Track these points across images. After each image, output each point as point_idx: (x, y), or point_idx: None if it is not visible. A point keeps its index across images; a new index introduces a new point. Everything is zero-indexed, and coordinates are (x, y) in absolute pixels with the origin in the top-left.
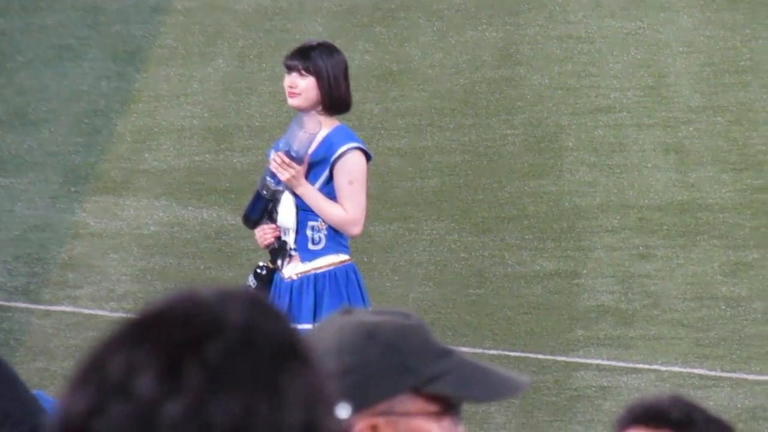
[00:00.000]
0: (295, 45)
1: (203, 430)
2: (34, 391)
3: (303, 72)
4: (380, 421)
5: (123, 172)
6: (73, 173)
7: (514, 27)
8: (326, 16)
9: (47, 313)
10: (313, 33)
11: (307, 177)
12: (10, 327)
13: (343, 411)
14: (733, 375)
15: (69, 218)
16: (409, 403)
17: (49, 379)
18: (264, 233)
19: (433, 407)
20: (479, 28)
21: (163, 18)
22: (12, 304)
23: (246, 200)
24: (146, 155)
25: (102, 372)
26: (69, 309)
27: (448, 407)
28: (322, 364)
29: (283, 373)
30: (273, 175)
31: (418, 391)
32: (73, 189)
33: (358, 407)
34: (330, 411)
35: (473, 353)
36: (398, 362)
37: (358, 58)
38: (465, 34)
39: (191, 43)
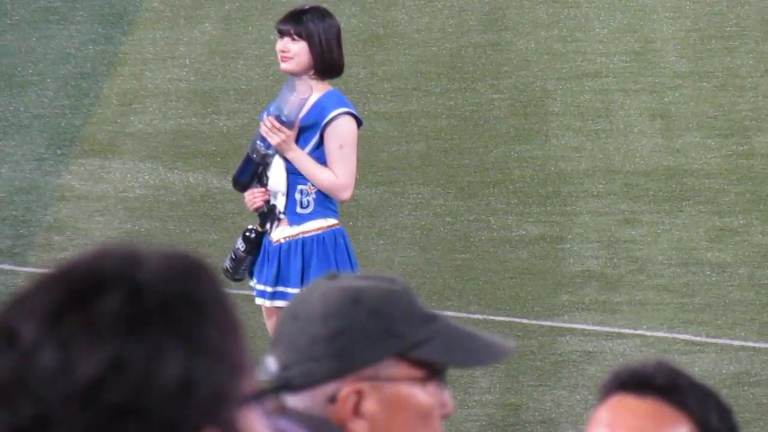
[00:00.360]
0: (282, 8)
1: (70, 379)
2: None
3: (295, 36)
4: (365, 386)
5: (109, 135)
6: (59, 136)
7: None
8: None
9: (33, 275)
10: None
11: (297, 141)
12: None
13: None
14: (718, 341)
15: (55, 181)
16: (394, 368)
17: None
18: (253, 197)
19: (418, 372)
20: None
21: None
22: None
23: (232, 164)
24: (132, 118)
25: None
26: None
27: (433, 372)
28: (231, 322)
29: (168, 326)
30: (263, 139)
31: (403, 356)
32: (59, 151)
33: (344, 372)
34: (231, 371)
35: (458, 318)
36: (384, 327)
37: (344, 22)
38: None
39: (178, 6)
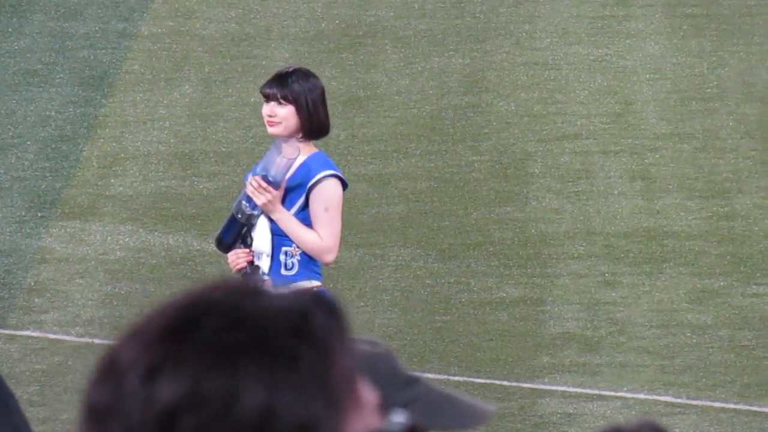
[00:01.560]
0: (261, 71)
1: (150, 406)
2: None
3: (281, 100)
4: None
5: (89, 198)
6: (39, 198)
7: (480, 54)
8: (293, 42)
9: (12, 338)
10: (280, 59)
11: (283, 202)
12: None
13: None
14: (699, 402)
15: (35, 243)
16: None
17: None
18: (237, 257)
19: None
20: (445, 55)
21: (129, 43)
22: None
23: (212, 226)
24: (113, 180)
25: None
26: (35, 334)
27: None
28: (350, 352)
29: (259, 357)
30: (249, 200)
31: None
32: (39, 214)
33: None
34: (328, 405)
35: (439, 380)
36: None
37: (324, 84)
38: (431, 60)
39: (158, 69)
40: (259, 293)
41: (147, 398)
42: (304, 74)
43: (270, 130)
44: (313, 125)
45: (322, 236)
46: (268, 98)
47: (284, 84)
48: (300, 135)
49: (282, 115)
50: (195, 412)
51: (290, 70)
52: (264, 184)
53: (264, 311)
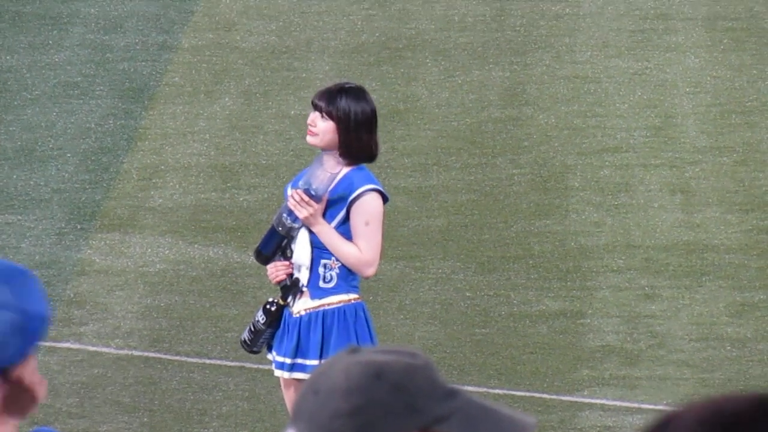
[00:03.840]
0: (302, 83)
1: None
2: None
3: (324, 115)
4: None
5: (129, 210)
6: (79, 210)
7: (520, 67)
8: (333, 54)
9: (52, 350)
10: (320, 71)
11: (324, 215)
12: None
13: None
14: None
15: (75, 255)
16: None
17: (53, 416)
18: (276, 269)
19: None
20: (486, 68)
21: (170, 56)
22: None
23: (252, 238)
24: (152, 193)
25: None
26: (74, 346)
27: None
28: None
29: None
30: (290, 212)
31: (425, 431)
32: (79, 226)
33: None
34: None
35: (478, 392)
36: (405, 403)
37: None
38: (472, 73)
39: (198, 81)
40: None
41: None
42: (356, 95)
43: (308, 138)
44: (352, 148)
45: (362, 249)
46: (314, 107)
47: (332, 100)
48: (338, 153)
49: (321, 128)
50: None
51: (345, 86)
52: (306, 198)
53: None
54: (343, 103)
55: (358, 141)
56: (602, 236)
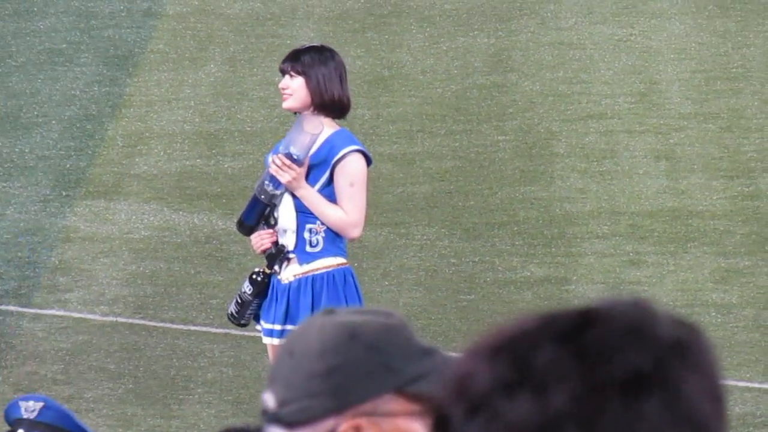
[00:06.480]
0: (287, 50)
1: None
2: (42, 397)
3: (292, 73)
4: (364, 421)
5: (114, 177)
6: (64, 177)
7: (505, 33)
8: (318, 21)
9: (37, 317)
10: (305, 38)
11: (306, 179)
12: (1, 330)
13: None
14: (724, 382)
15: (60, 222)
16: (392, 403)
17: (38, 383)
18: (261, 239)
19: (416, 407)
20: (470, 35)
21: (154, 23)
22: (2, 307)
23: (237, 205)
24: (137, 160)
25: (517, 350)
26: (59, 313)
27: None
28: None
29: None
30: (272, 179)
31: (401, 390)
32: (64, 193)
33: (341, 408)
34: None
35: None
36: (381, 362)
37: (349, 64)
38: (456, 40)
39: (183, 48)
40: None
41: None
42: (319, 49)
43: (284, 103)
44: (325, 99)
45: (347, 211)
46: (282, 72)
47: (296, 58)
48: (312, 109)
49: (293, 87)
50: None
51: (307, 46)
52: (288, 162)
53: (659, 326)
54: (307, 57)
55: (329, 91)
56: (587, 203)
